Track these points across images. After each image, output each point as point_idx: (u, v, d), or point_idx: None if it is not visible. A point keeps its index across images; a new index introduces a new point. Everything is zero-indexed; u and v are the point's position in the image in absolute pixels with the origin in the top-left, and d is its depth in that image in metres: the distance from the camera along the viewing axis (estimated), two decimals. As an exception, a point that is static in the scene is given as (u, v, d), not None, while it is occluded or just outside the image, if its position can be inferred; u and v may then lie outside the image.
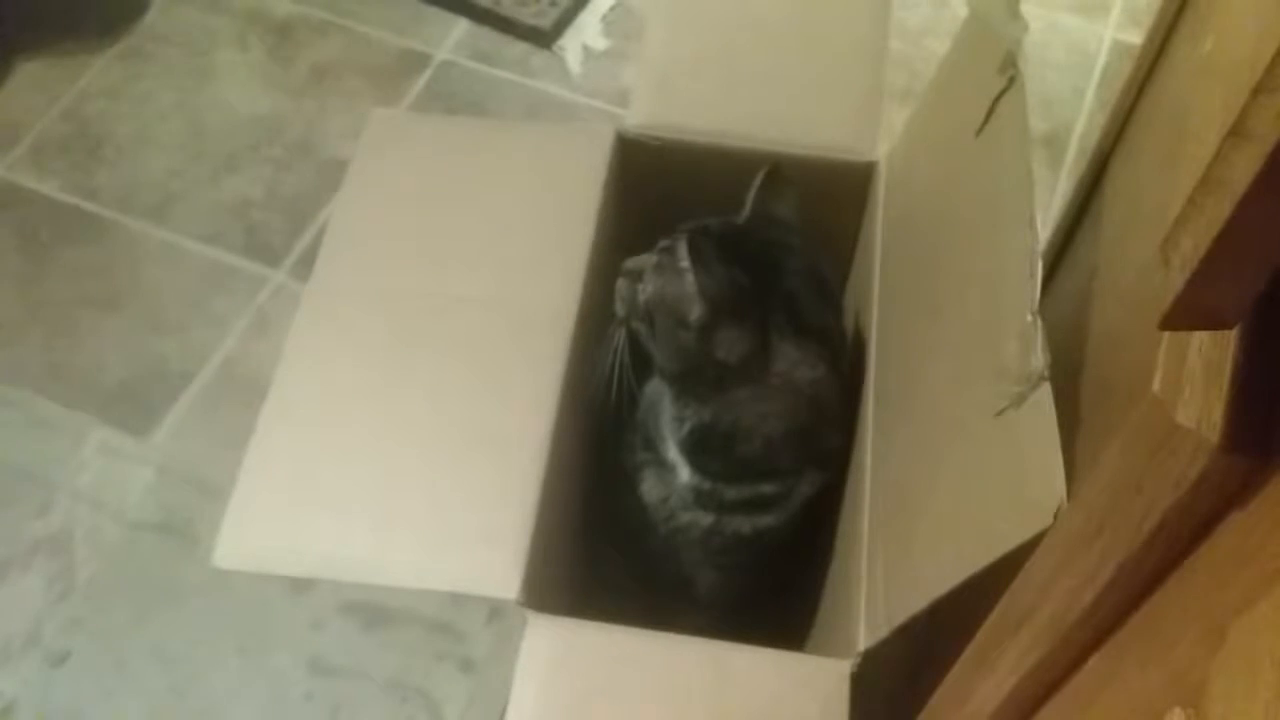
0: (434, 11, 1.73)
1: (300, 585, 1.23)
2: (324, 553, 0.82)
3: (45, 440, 1.34)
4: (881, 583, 0.77)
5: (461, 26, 1.72)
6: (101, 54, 1.69)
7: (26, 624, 1.22)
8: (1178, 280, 0.36)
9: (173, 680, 1.19)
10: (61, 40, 1.70)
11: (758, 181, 0.95)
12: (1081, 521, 0.48)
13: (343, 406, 0.87)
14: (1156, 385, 0.42)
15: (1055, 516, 0.56)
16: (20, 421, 1.36)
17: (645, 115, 1.03)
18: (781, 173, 0.96)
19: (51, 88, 1.65)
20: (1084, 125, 1.56)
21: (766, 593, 0.99)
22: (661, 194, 1.02)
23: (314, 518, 0.83)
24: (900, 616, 0.72)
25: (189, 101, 1.63)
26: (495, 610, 1.20)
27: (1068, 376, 0.65)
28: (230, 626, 1.21)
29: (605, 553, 1.07)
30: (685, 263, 0.85)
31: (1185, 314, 0.38)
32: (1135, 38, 0.90)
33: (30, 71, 1.63)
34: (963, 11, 0.94)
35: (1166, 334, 0.44)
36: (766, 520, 0.94)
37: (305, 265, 1.42)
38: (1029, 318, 0.65)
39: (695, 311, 0.86)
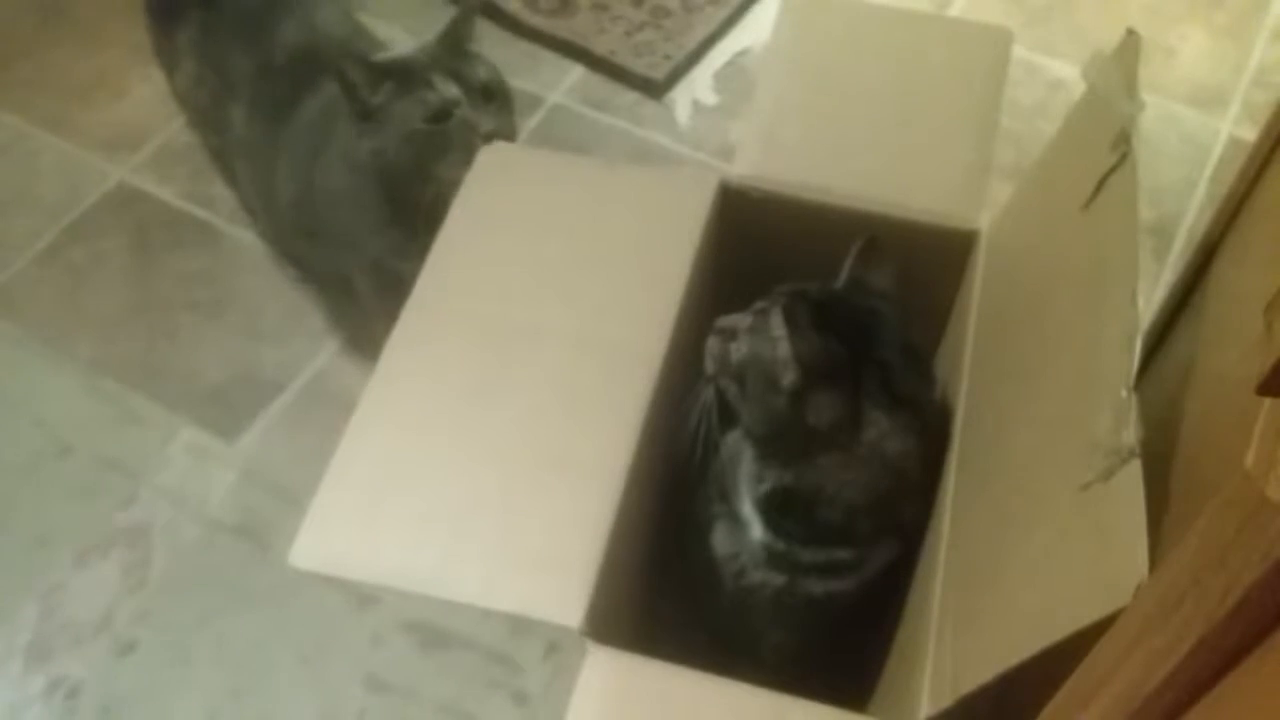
0: (551, 56, 1.77)
1: (364, 600, 1.24)
2: (394, 563, 0.83)
3: (136, 435, 1.38)
4: (950, 651, 0.75)
5: (576, 72, 1.76)
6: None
7: (100, 611, 1.24)
8: (1280, 345, 0.36)
9: (232, 681, 1.20)
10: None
11: (854, 250, 0.95)
12: (1162, 594, 0.47)
13: (429, 422, 0.89)
14: (1249, 460, 0.42)
15: (1135, 594, 0.55)
16: (115, 415, 1.40)
17: (750, 166, 1.04)
18: (879, 244, 0.95)
19: (179, 99, 1.71)
20: (1193, 218, 1.53)
21: (832, 655, 0.97)
22: (759, 245, 1.03)
23: (389, 528, 0.84)
24: (966, 686, 0.70)
25: (308, 123, 1.68)
26: (553, 645, 1.20)
27: (1156, 461, 0.63)
28: (293, 634, 1.23)
29: (670, 602, 1.06)
30: (780, 330, 0.86)
31: (1286, 380, 0.37)
32: (1252, 134, 0.89)
33: (161, 81, 1.69)
34: (1077, 94, 0.94)
35: (1263, 411, 0.44)
36: (839, 585, 0.93)
37: (403, 288, 1.45)
38: (1124, 393, 0.64)
39: (788, 376, 0.85)
